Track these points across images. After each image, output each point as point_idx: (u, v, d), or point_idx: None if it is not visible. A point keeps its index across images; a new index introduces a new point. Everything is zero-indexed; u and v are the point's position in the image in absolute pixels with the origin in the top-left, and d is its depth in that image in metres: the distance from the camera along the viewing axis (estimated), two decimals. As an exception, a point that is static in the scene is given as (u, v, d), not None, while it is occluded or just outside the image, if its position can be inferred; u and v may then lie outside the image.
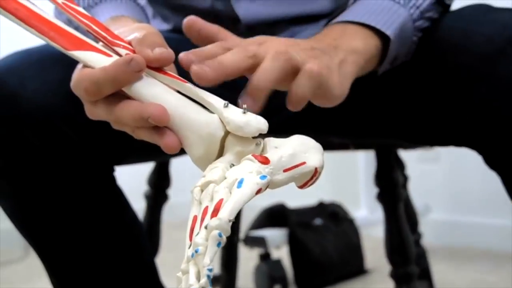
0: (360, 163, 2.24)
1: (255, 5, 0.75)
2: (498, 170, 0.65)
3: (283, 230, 1.77)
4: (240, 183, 0.45)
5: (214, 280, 1.41)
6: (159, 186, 1.14)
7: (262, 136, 0.50)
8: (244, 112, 0.49)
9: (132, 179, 1.37)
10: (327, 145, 0.97)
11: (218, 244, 0.43)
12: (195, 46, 0.79)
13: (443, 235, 2.27)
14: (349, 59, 0.59)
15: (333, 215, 1.90)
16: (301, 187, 0.50)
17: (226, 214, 0.44)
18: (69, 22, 0.62)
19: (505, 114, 0.60)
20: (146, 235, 0.81)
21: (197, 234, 0.44)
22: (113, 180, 0.75)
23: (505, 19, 0.63)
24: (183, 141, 0.50)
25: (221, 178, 0.47)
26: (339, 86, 0.57)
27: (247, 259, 1.80)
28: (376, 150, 1.00)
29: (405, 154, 1.28)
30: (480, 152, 0.66)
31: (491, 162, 0.66)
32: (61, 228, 0.71)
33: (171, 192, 1.17)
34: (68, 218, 0.71)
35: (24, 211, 0.70)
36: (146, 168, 1.16)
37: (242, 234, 1.75)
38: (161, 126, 0.50)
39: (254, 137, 0.49)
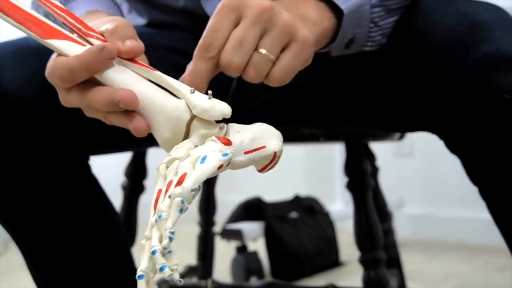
0: (336, 158, 2.27)
1: None
2: (458, 154, 0.68)
3: (259, 223, 1.80)
4: (203, 159, 0.49)
5: (191, 271, 1.44)
6: (136, 177, 1.16)
7: (225, 122, 0.53)
8: (209, 98, 0.52)
9: (110, 175, 1.38)
10: (298, 137, 1.00)
11: (180, 211, 0.46)
12: (169, 40, 0.82)
13: (417, 228, 2.31)
14: (302, 25, 0.57)
15: (309, 209, 1.93)
16: (261, 170, 0.54)
17: (189, 184, 0.47)
18: (47, 16, 0.65)
19: (462, 100, 0.63)
20: (122, 223, 0.83)
21: (162, 202, 0.47)
22: (87, 168, 0.77)
23: (465, 9, 0.66)
24: (151, 124, 0.53)
25: (186, 156, 0.50)
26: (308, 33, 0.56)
27: (224, 252, 1.83)
28: (345, 141, 1.03)
29: (380, 149, 1.31)
30: (441, 136, 0.69)
31: (452, 146, 0.69)
32: (37, 215, 0.73)
33: (147, 191, 1.18)
34: (44, 205, 0.72)
35: (1, 199, 0.72)
36: (123, 163, 1.19)
37: (219, 227, 1.78)
38: (130, 109, 0.53)
39: (218, 122, 0.52)
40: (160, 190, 0.49)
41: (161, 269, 0.44)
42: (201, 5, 0.77)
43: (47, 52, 0.66)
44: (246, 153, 0.51)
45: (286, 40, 0.54)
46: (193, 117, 0.52)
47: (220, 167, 0.49)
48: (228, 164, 0.50)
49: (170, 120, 0.52)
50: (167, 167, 0.50)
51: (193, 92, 0.52)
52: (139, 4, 0.85)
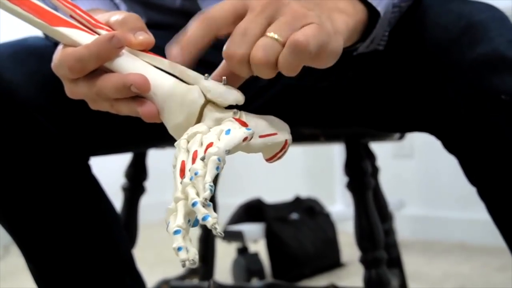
0: (336, 159, 2.28)
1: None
2: (456, 154, 0.68)
3: (260, 224, 1.80)
4: (228, 131, 0.49)
5: (191, 272, 1.44)
6: (136, 178, 1.15)
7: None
8: (224, 84, 0.52)
9: (110, 177, 1.38)
10: (298, 137, 1.00)
11: (217, 168, 0.46)
12: (168, 41, 0.82)
13: (417, 229, 2.31)
14: (336, 17, 0.54)
15: (309, 210, 1.93)
16: (269, 159, 0.54)
17: (222, 145, 0.47)
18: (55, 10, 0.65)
19: (459, 101, 0.63)
20: (122, 224, 0.83)
21: (193, 165, 0.47)
22: (88, 168, 0.77)
23: (460, 9, 0.66)
24: (162, 110, 0.53)
25: (207, 131, 0.50)
26: (335, 41, 0.51)
27: (225, 253, 1.83)
28: (345, 141, 1.03)
29: (380, 150, 1.31)
30: (438, 137, 0.70)
31: (449, 146, 0.69)
32: (37, 215, 0.73)
33: (147, 192, 1.19)
34: (43, 205, 0.72)
35: (1, 200, 0.72)
36: (123, 165, 1.19)
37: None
38: (142, 94, 0.53)
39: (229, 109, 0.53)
40: (183, 161, 0.49)
41: (204, 219, 0.44)
42: (198, 5, 0.77)
43: (47, 52, 0.66)
44: (260, 137, 0.51)
45: (297, 26, 0.49)
46: (206, 102, 0.52)
47: (245, 139, 0.49)
48: (251, 139, 0.50)
49: (184, 104, 0.52)
50: (188, 142, 0.50)
51: (207, 78, 0.53)
52: (137, 5, 0.85)
